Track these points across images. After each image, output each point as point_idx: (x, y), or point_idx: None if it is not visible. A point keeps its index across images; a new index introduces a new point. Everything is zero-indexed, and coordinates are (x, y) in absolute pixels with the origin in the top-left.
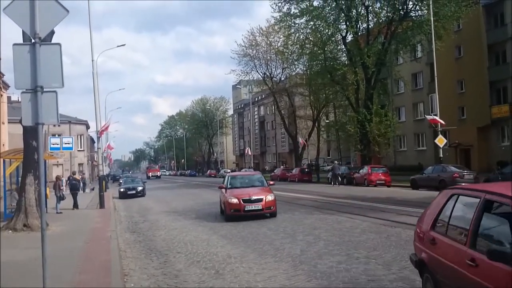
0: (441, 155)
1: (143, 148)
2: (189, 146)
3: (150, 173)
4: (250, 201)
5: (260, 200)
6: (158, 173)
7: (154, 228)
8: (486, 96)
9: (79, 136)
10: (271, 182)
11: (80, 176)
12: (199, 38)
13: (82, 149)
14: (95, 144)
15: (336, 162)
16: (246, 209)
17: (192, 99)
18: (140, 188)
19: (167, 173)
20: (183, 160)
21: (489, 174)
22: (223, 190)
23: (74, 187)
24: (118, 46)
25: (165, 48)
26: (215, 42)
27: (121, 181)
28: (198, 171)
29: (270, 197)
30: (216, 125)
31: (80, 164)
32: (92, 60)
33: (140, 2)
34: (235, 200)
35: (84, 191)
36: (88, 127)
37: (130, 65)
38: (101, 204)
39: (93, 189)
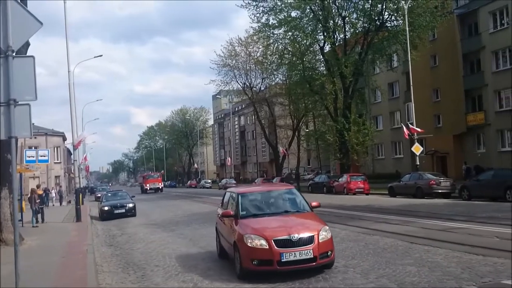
0: (418, 163)
1: (122, 160)
2: (169, 156)
3: (147, 185)
4: (291, 243)
5: (310, 240)
6: (160, 185)
7: (132, 241)
8: (462, 104)
9: (55, 148)
10: (314, 203)
11: (58, 189)
12: (177, 48)
13: (58, 161)
14: (72, 156)
15: (287, 172)
16: (284, 259)
17: (172, 109)
18: (130, 205)
19: None
20: (163, 171)
21: (464, 181)
22: (228, 220)
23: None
24: (95, 57)
25: (143, 59)
26: (194, 52)
27: (98, 194)
28: (178, 182)
29: (325, 234)
30: (196, 135)
31: (57, 177)
32: (69, 71)
33: (117, 13)
34: (261, 242)
35: (61, 204)
36: (65, 139)
37: (108, 75)
38: (78, 217)
39: (69, 202)
